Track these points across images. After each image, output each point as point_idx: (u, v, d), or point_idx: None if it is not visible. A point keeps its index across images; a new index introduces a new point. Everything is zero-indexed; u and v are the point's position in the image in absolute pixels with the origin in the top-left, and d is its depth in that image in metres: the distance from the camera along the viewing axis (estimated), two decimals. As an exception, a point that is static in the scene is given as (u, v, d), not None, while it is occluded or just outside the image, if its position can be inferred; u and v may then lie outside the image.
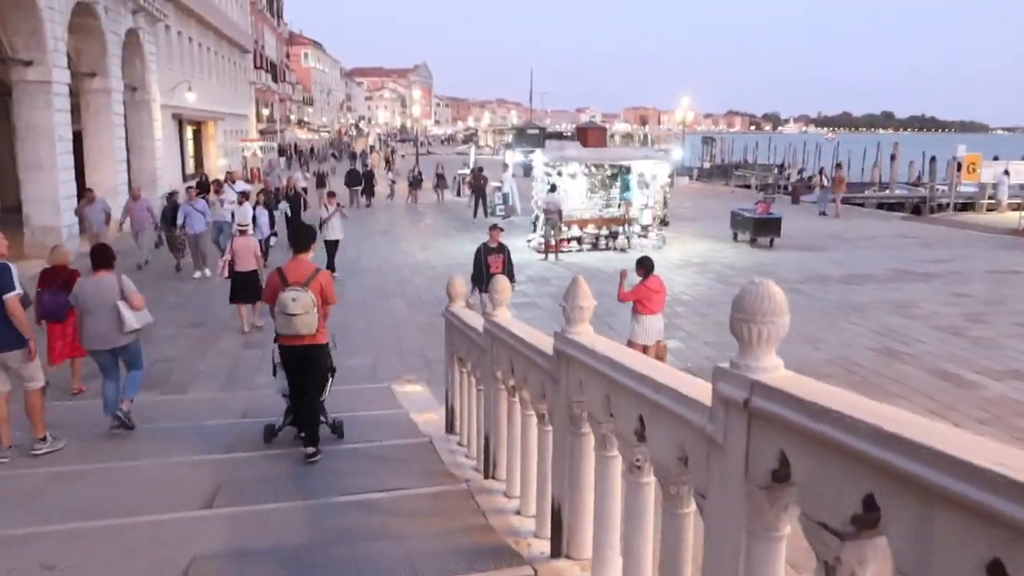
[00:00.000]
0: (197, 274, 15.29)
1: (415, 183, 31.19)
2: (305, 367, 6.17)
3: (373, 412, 7.51)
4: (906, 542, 1.53)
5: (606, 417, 3.04)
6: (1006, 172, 28.44)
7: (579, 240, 19.42)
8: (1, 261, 6.22)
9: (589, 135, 41.16)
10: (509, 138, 64.48)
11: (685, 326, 11.86)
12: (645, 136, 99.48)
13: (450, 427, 6.42)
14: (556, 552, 3.71)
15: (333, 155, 58.45)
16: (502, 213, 26.34)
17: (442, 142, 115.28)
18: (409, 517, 4.57)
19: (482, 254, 11.04)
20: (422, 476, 5.36)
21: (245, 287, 11.34)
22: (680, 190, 33.87)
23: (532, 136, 54.53)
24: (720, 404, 2.16)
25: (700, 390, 2.36)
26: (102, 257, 6.90)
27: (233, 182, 20.37)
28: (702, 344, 10.95)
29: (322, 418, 6.42)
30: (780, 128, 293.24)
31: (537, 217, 19.51)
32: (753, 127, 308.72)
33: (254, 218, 14.85)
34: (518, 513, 4.39)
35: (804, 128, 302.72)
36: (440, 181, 31.27)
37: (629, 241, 19.59)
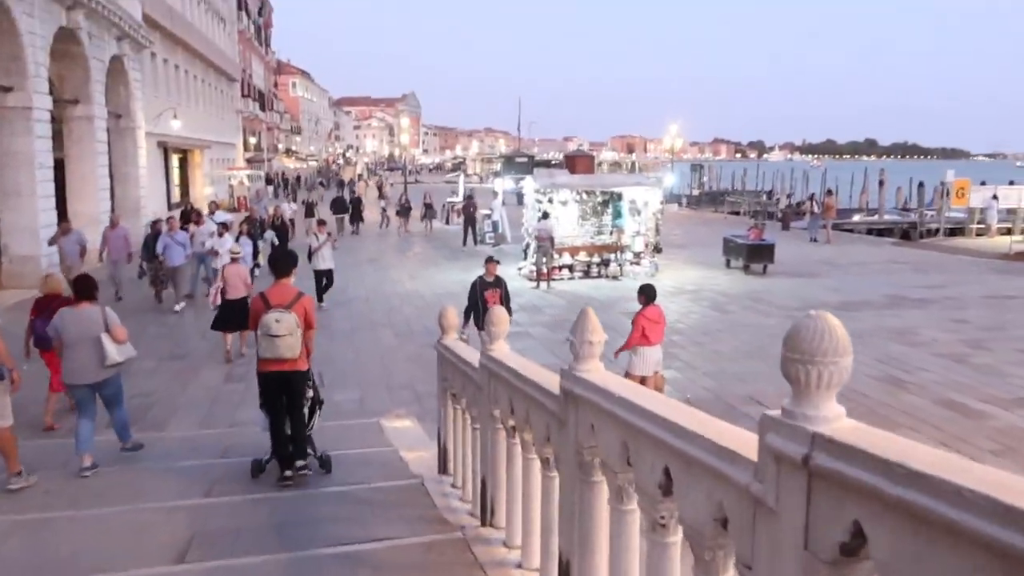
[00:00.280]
0: (176, 307, 14.79)
1: (403, 211, 31.00)
2: (286, 393, 6.15)
3: (361, 450, 7.12)
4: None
5: (623, 467, 2.70)
6: (994, 197, 28.52)
7: (571, 268, 19.13)
8: None
9: (577, 163, 40.85)
10: (498, 166, 64.51)
11: (682, 356, 11.54)
12: (632, 164, 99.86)
13: (443, 467, 6.04)
14: (564, 614, 3.34)
15: (321, 183, 58.23)
16: (492, 241, 26.08)
17: (430, 170, 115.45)
18: (400, 572, 4.19)
19: (478, 288, 10.49)
20: (414, 523, 4.98)
21: (234, 314, 11.06)
22: (670, 217, 33.73)
23: (521, 164, 54.50)
24: (770, 459, 1.83)
25: (741, 440, 2.03)
26: (85, 288, 6.77)
27: (213, 212, 19.97)
28: (701, 374, 10.63)
29: (309, 451, 6.36)
30: (765, 156, 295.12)
31: (528, 245, 19.23)
32: (739, 155, 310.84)
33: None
34: (520, 567, 4.01)
35: (789, 156, 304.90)
36: (428, 210, 30.99)
37: (621, 268, 19.33)
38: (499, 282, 10.68)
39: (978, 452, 7.78)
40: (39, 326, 7.70)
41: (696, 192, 49.67)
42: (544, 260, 17.86)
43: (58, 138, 19.61)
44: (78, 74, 20.56)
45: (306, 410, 6.44)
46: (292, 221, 25.72)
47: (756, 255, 19.83)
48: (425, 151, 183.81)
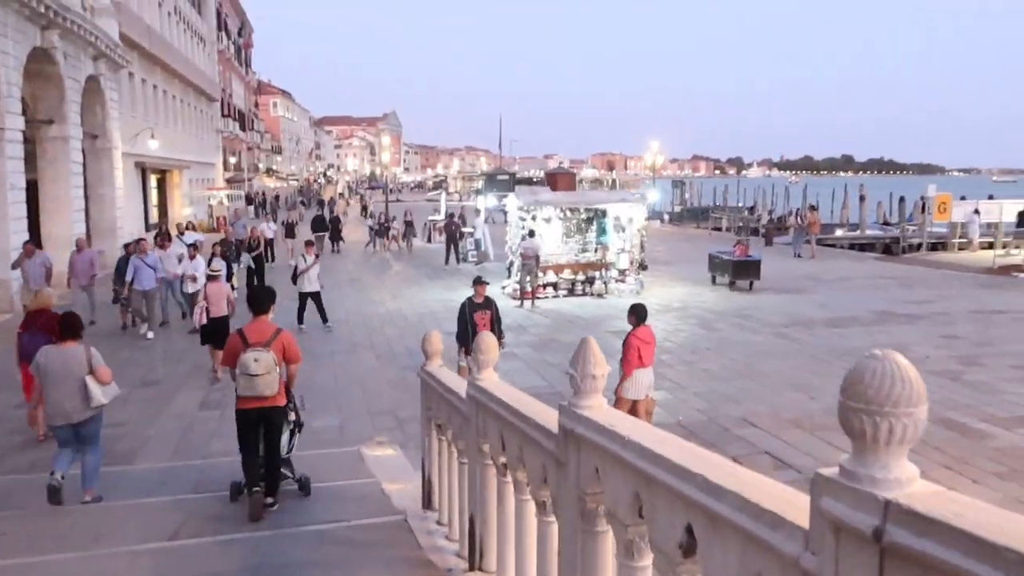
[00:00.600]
0: (150, 335, 14.21)
1: (382, 231, 30.67)
2: (264, 429, 6.06)
3: (341, 482, 6.75)
4: None
5: (634, 519, 2.38)
6: (976, 211, 28.70)
7: (555, 286, 18.82)
8: None
9: (559, 180, 40.69)
10: (479, 184, 64.27)
11: (671, 375, 11.25)
12: (613, 181, 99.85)
13: (427, 501, 5.68)
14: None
15: (302, 203, 57.73)
16: (475, 259, 25.76)
17: (411, 189, 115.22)
18: (382, 625, 3.83)
19: (467, 310, 10.08)
20: (397, 566, 4.62)
21: (218, 332, 11.00)
22: (653, 233, 33.59)
23: (502, 182, 54.31)
24: (827, 529, 1.52)
25: (785, 500, 1.72)
26: (70, 327, 6.55)
27: (182, 233, 19.44)
28: (692, 395, 10.34)
29: (288, 473, 6.34)
30: (744, 172, 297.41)
31: (512, 263, 18.92)
32: (718, 171, 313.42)
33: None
34: (514, 619, 3.67)
35: (768, 172, 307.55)
36: (409, 228, 30.63)
37: (606, 286, 19.06)
38: (489, 303, 10.29)
39: (982, 474, 7.54)
40: (25, 340, 7.99)
41: (678, 208, 49.76)
42: (529, 279, 17.56)
43: (31, 159, 19.11)
44: (53, 94, 20.08)
45: (286, 434, 6.36)
46: (271, 241, 25.27)
47: (742, 271, 19.66)
48: (406, 169, 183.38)
